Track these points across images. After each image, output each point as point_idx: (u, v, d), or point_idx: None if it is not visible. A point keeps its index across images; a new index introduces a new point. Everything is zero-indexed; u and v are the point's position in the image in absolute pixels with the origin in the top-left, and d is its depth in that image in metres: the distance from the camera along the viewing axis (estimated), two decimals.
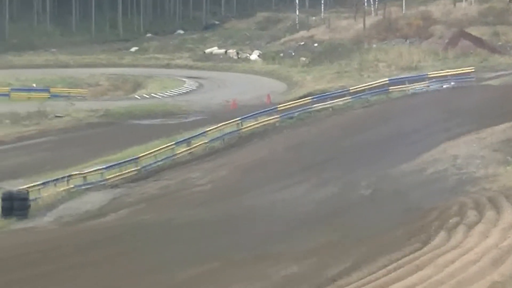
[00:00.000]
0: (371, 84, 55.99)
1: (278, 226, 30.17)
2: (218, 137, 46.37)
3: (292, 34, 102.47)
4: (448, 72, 57.28)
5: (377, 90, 54.22)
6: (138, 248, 28.31)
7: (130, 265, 25.89)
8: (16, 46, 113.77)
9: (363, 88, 55.27)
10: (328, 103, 52.29)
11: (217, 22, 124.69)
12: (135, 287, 23.50)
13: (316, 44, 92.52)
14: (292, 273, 23.78)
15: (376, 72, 71.03)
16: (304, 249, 26.34)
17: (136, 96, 77.66)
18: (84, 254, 27.09)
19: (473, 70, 59.23)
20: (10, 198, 33.28)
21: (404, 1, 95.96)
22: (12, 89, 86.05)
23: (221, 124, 47.29)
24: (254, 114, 49.52)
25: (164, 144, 43.78)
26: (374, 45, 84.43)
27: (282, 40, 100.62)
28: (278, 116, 49.90)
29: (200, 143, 45.14)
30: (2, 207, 33.23)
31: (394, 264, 21.97)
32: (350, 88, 55.37)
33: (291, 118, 50.22)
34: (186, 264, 25.46)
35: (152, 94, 77.30)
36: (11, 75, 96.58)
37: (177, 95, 76.42)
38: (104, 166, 40.30)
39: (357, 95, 53.83)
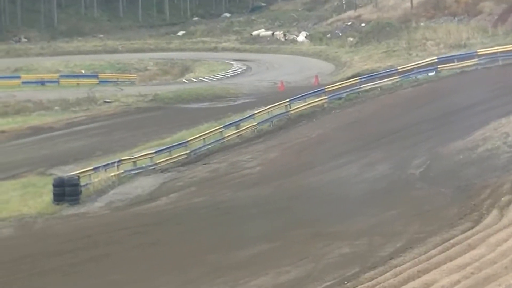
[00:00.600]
0: (420, 63, 55.49)
1: (331, 206, 30.29)
2: (266, 120, 46.33)
3: (339, 14, 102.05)
4: (498, 49, 56.43)
5: (426, 69, 53.72)
6: (191, 230, 28.64)
7: (185, 246, 26.25)
8: (65, 33, 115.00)
9: (411, 67, 54.78)
10: (376, 83, 51.92)
11: (263, 4, 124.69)
12: (193, 267, 23.72)
13: (363, 24, 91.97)
14: (346, 252, 23.89)
15: (424, 51, 70.45)
16: (357, 228, 26.40)
17: (184, 80, 78.03)
18: (136, 238, 27.51)
19: None
20: (61, 184, 33.67)
21: None
22: (61, 76, 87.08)
23: (269, 106, 47.25)
24: (302, 96, 49.37)
25: (213, 128, 43.89)
26: (422, 24, 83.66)
27: (329, 20, 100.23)
28: (326, 97, 49.69)
29: (248, 125, 45.16)
30: (54, 193, 33.63)
31: (446, 243, 21.88)
32: (399, 68, 54.97)
33: (340, 99, 49.97)
34: (241, 244, 25.78)
35: (200, 78, 77.58)
36: (60, 62, 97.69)
37: (225, 78, 76.63)
38: (153, 151, 40.54)
39: (406, 74, 53.35)
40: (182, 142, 41.80)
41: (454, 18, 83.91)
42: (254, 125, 45.36)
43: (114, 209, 33.05)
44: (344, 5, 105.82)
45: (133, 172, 38.31)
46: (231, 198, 33.13)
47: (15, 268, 24.00)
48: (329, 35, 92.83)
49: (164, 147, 41.41)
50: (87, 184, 35.32)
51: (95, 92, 70.56)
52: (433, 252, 21.31)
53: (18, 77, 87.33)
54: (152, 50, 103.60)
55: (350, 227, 26.63)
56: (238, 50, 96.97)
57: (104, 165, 37.11)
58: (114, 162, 37.71)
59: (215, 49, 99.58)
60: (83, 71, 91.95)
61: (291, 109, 47.50)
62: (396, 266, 21.05)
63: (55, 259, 25.11)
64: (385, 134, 40.48)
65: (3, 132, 56.43)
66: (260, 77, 74.19)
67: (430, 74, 53.06)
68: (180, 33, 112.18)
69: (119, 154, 41.91)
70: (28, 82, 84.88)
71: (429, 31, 78.42)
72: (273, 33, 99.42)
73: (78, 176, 34.64)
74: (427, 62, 55.26)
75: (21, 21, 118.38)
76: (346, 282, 20.49)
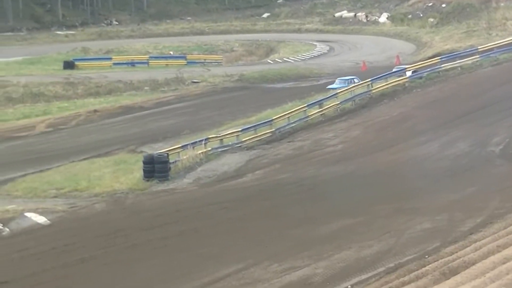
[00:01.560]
0: (500, 43, 55.21)
1: (412, 182, 30.87)
2: (349, 99, 46.83)
3: None
4: None
5: (506, 48, 53.43)
6: (276, 205, 29.37)
7: (270, 221, 26.99)
8: (154, 16, 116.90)
9: (491, 46, 54.58)
10: (456, 63, 51.97)
11: None
12: (278, 241, 24.48)
13: (444, 5, 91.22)
14: (427, 227, 24.51)
15: (504, 31, 69.70)
16: (438, 204, 26.97)
17: (269, 61, 78.73)
18: (223, 213, 28.27)
19: None
20: (151, 161, 34.54)
21: None
22: (150, 57, 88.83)
23: (351, 85, 47.88)
24: (384, 75, 49.77)
25: (297, 107, 44.55)
26: (502, 4, 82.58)
27: (410, 2, 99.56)
28: (407, 76, 50.00)
29: (331, 104, 45.70)
30: (144, 170, 34.52)
31: None
32: (479, 47, 54.81)
33: (420, 78, 50.21)
34: (325, 219, 26.46)
35: (284, 59, 78.18)
36: (149, 44, 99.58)
37: (309, 58, 77.11)
38: (239, 129, 41.31)
39: (486, 53, 53.25)
40: (267, 120, 42.51)
41: None
42: (337, 104, 45.92)
43: (201, 185, 33.88)
44: None
45: (219, 149, 39.04)
46: (314, 174, 33.75)
47: (109, 241, 24.97)
48: (410, 16, 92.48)
49: (250, 126, 42.16)
50: (175, 161, 36.13)
51: (183, 73, 71.94)
52: None
53: (110, 59, 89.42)
54: (237, 32, 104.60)
55: (431, 203, 27.16)
56: (321, 31, 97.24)
57: (192, 143, 37.93)
58: (202, 140, 38.48)
59: (298, 31, 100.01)
60: (171, 53, 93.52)
61: (373, 88, 47.95)
62: (476, 241, 21.59)
63: (146, 233, 25.96)
64: (465, 113, 40.73)
65: (96, 111, 58.25)
66: (342, 57, 74.50)
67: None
68: (265, 15, 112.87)
69: (206, 132, 42.93)
70: (119, 63, 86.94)
71: (509, 11, 77.51)
72: (355, 15, 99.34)
73: (167, 154, 35.51)
74: (507, 42, 54.96)
75: (112, 5, 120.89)
76: (427, 256, 21.11)
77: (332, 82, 53.87)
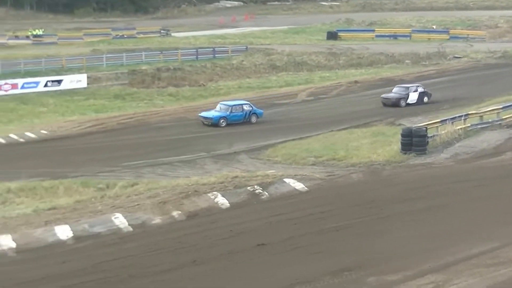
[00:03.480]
0: None
1: None
2: None
3: None
4: None
5: None
6: None
7: None
8: None
9: None
10: None
11: None
12: None
13: None
14: None
15: None
16: None
17: None
18: (476, 190, 27.79)
19: None
20: (409, 134, 34.60)
21: None
22: (413, 31, 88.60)
23: None
24: None
25: None
26: None
27: None
28: None
29: None
30: (402, 143, 34.66)
31: None
32: None
33: None
34: None
35: None
36: (412, 17, 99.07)
37: None
38: (500, 106, 40.43)
39: None
40: None
41: None
42: None
43: (458, 161, 33.51)
44: None
45: (479, 126, 38.46)
46: None
47: (363, 211, 25.29)
48: None
49: (510, 104, 41.16)
50: (433, 136, 35.93)
51: (445, 48, 71.21)
52: None
53: (372, 31, 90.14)
54: (503, 8, 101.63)
55: None
56: None
57: (451, 118, 37.61)
58: (461, 116, 38.11)
59: None
60: (434, 27, 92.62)
61: None
62: None
63: (399, 205, 26.01)
64: None
65: (356, 82, 59.08)
66: None
67: None
68: None
69: (466, 108, 42.32)
70: (381, 35, 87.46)
71: None
72: None
73: (426, 128, 35.43)
74: None
75: None
76: None
77: None
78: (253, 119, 45.74)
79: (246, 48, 77.68)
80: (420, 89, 50.04)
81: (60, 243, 22.90)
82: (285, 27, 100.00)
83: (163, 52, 74.77)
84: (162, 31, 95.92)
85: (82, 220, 24.59)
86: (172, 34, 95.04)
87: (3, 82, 59.05)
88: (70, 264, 21.02)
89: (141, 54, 73.16)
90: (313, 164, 33.55)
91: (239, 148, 38.60)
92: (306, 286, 18.99)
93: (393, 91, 50.36)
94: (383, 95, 50.26)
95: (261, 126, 44.70)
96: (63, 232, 23.53)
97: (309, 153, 35.41)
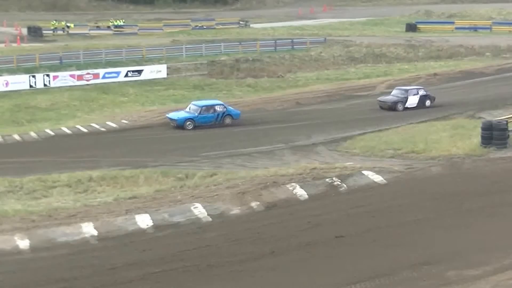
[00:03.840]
0: None
1: None
2: None
3: None
4: None
5: None
6: None
7: None
8: None
9: None
10: None
11: None
12: None
13: None
14: None
15: None
16: None
17: None
18: None
19: None
20: (489, 128, 34.12)
21: None
22: (494, 23, 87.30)
23: None
24: None
25: None
26: None
27: None
28: None
29: None
30: (482, 136, 34.18)
31: None
32: None
33: None
34: None
35: None
36: (493, 9, 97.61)
37: None
38: None
39: None
40: None
41: None
42: None
43: None
44: None
45: None
46: None
47: (443, 205, 25.06)
48: None
49: None
50: None
51: None
52: None
53: (452, 23, 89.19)
54: None
55: None
56: None
57: None
58: None
59: None
60: None
61: None
62: None
63: (479, 199, 25.72)
64: None
65: (435, 75, 58.50)
66: None
67: None
68: None
69: None
70: (461, 27, 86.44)
71: None
72: None
73: (507, 121, 34.90)
74: None
75: None
76: None
77: None
78: (227, 120, 43.43)
79: (325, 39, 77.58)
80: (422, 92, 47.24)
81: (140, 232, 23.25)
82: (364, 18, 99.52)
83: (242, 43, 75.13)
84: (241, 22, 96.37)
85: (162, 210, 24.90)
86: (251, 25, 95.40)
87: (85, 72, 60.12)
88: (150, 253, 21.34)
89: (220, 45, 73.69)
90: (391, 157, 33.35)
91: (318, 139, 38.57)
92: (385, 279, 18.98)
93: (391, 93, 47.90)
94: (380, 98, 47.98)
95: (339, 117, 44.60)
96: (143, 221, 23.89)
97: (388, 146, 35.22)
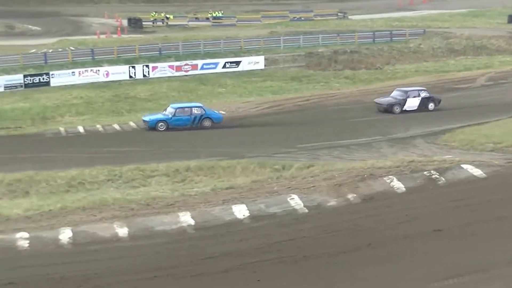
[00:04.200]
0: None
1: None
2: None
3: None
4: None
5: None
6: None
7: None
8: None
9: None
10: None
11: None
12: None
13: None
14: None
15: None
16: None
17: None
18: None
19: None
20: None
21: None
22: None
23: None
24: None
25: None
26: None
27: None
28: None
29: None
30: None
31: None
32: None
33: None
34: None
35: None
36: None
37: None
38: None
39: None
40: None
41: None
42: None
43: None
44: None
45: None
46: None
47: None
48: None
49: None
50: None
51: None
52: None
53: None
54: None
55: None
56: None
57: None
58: None
59: None
60: None
61: None
62: None
63: None
64: None
65: None
66: None
67: None
68: None
69: None
70: None
71: None
72: None
73: None
74: None
75: None
76: None
77: None
78: (206, 123, 42.49)
79: (424, 31, 76.62)
80: (424, 94, 45.13)
81: (237, 222, 23.37)
82: (464, 10, 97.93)
83: (340, 34, 74.84)
84: (339, 13, 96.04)
85: (259, 200, 24.98)
86: (349, 16, 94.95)
87: (183, 62, 60.84)
88: (247, 243, 21.44)
89: (318, 37, 73.53)
90: (491, 150, 32.72)
91: (415, 132, 38.19)
92: (484, 273, 18.66)
93: (391, 94, 45.81)
94: (377, 99, 45.94)
95: (438, 111, 44.05)
96: (240, 211, 24.01)
97: (488, 139, 34.55)
